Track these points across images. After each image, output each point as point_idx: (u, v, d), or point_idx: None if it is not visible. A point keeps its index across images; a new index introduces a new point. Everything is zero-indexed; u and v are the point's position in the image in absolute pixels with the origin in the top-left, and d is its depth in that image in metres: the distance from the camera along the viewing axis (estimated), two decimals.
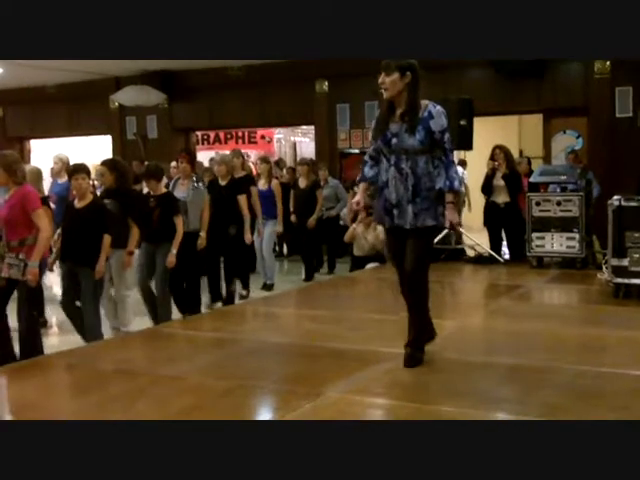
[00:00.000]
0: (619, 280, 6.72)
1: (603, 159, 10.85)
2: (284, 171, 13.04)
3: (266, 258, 9.41)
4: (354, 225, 9.52)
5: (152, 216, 6.74)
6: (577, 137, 11.69)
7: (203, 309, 7.61)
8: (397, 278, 4.65)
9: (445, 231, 8.90)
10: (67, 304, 6.04)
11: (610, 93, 10.90)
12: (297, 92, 12.80)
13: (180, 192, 7.36)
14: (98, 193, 7.00)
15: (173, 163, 9.15)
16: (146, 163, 9.53)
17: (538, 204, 8.67)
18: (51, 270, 6.51)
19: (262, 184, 9.39)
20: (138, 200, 6.86)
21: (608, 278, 6.89)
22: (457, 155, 13.51)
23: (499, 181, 9.55)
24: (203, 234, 7.33)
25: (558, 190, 8.91)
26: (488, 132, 11.75)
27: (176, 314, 6.99)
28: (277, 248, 12.21)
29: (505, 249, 9.89)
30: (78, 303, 6.06)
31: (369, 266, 9.32)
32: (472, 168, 14.34)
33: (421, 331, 4.59)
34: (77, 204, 6.00)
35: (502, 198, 9.55)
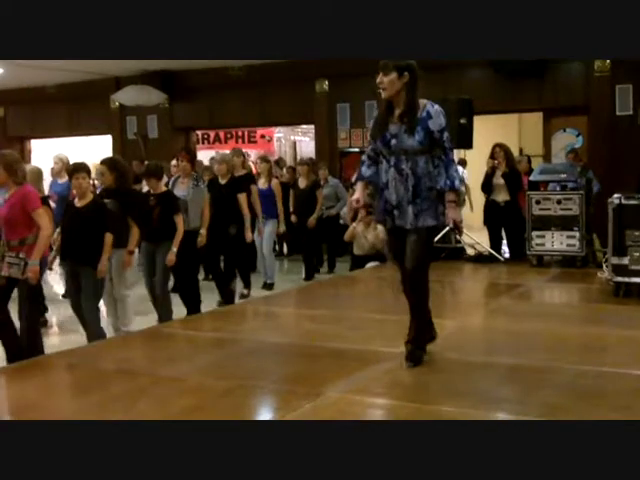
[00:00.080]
0: (619, 279, 6.71)
1: (603, 157, 10.84)
2: (284, 170, 13.04)
3: (266, 257, 9.42)
4: (354, 224, 9.53)
5: (152, 215, 6.75)
6: (577, 135, 11.69)
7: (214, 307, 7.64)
8: (398, 277, 4.66)
9: (446, 229, 8.91)
10: (76, 306, 6.03)
11: (610, 91, 10.90)
12: (297, 92, 12.80)
13: (180, 191, 7.36)
14: (98, 192, 6.99)
15: (173, 162, 9.15)
16: (146, 163, 9.54)
17: (538, 202, 8.67)
18: (50, 269, 6.50)
19: (262, 183, 9.40)
20: (138, 199, 6.86)
21: (608, 277, 6.89)
22: (457, 154, 13.51)
23: (499, 180, 9.55)
24: (203, 231, 7.33)
25: (558, 188, 8.91)
26: (488, 130, 11.75)
27: (177, 314, 6.98)
28: (277, 247, 12.21)
29: (505, 248, 9.89)
30: None
31: (369, 265, 9.32)
32: (472, 166, 14.33)
33: (422, 330, 4.59)
34: (77, 203, 6.00)
35: (502, 197, 9.55)
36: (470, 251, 9.70)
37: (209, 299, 7.95)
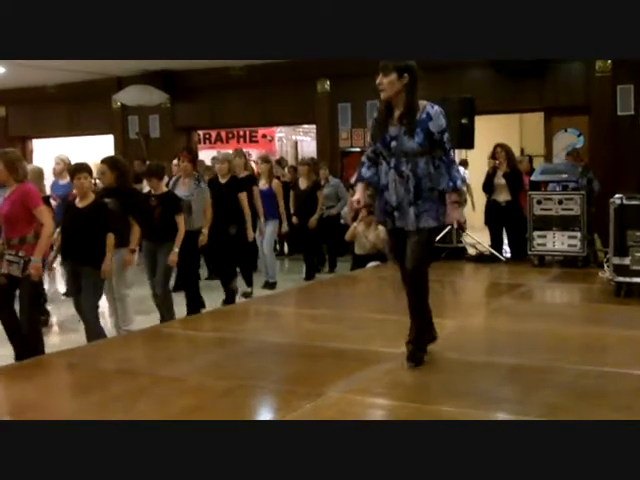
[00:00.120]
0: (621, 279, 6.71)
1: (604, 157, 10.83)
2: (286, 170, 13.03)
3: (267, 257, 9.43)
4: (355, 224, 9.53)
5: (153, 215, 6.75)
6: (578, 135, 11.67)
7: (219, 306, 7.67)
8: (399, 277, 4.66)
9: (447, 229, 8.92)
10: (79, 305, 6.03)
11: (611, 91, 10.89)
12: (298, 92, 12.80)
13: (181, 191, 7.36)
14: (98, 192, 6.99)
15: (175, 161, 9.16)
16: (147, 163, 9.55)
17: (539, 202, 8.67)
18: (51, 269, 6.50)
19: (263, 184, 9.40)
20: (139, 198, 6.87)
21: (610, 277, 6.89)
22: (459, 154, 13.51)
23: (500, 179, 9.55)
24: (205, 231, 7.34)
25: (558, 188, 8.90)
26: (489, 130, 11.74)
27: (178, 313, 6.98)
28: (278, 247, 12.22)
29: (506, 247, 9.88)
30: None
31: (370, 265, 9.32)
32: (473, 166, 14.31)
33: (422, 330, 4.59)
34: (79, 204, 5.99)
35: (503, 197, 9.55)
36: (471, 251, 9.69)
37: (212, 298, 7.96)
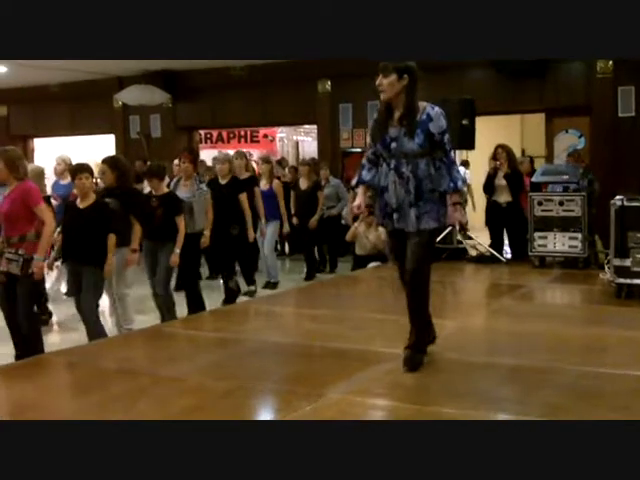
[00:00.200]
0: (621, 280, 6.70)
1: (605, 159, 10.82)
2: (287, 170, 13.04)
3: (267, 257, 9.43)
4: (356, 224, 9.53)
5: (154, 215, 6.75)
6: (579, 137, 11.67)
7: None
8: (397, 277, 4.66)
9: (447, 230, 8.91)
10: (80, 305, 6.03)
11: (612, 93, 10.88)
12: (299, 92, 12.81)
13: (183, 193, 7.35)
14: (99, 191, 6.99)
15: (176, 161, 9.16)
16: (148, 163, 9.56)
17: (540, 204, 8.67)
18: (51, 269, 6.50)
19: (264, 184, 9.41)
20: (139, 198, 6.87)
21: (610, 278, 6.88)
22: (460, 155, 13.51)
23: (501, 180, 9.54)
24: (207, 233, 7.35)
25: (558, 190, 8.89)
26: (490, 131, 11.74)
27: (179, 313, 6.98)
28: (279, 247, 12.22)
29: (507, 248, 9.88)
30: None
31: (371, 265, 9.32)
32: (474, 167, 14.33)
33: (421, 332, 4.58)
34: (80, 204, 5.99)
35: (504, 197, 9.54)
36: (472, 252, 9.69)
37: (213, 298, 7.96)
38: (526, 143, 15.24)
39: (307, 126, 16.30)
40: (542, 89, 11.30)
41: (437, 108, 4.42)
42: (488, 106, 10.68)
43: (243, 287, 8.58)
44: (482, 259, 9.39)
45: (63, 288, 8.98)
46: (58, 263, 6.69)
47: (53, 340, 6.68)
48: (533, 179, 9.19)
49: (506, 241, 9.88)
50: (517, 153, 11.30)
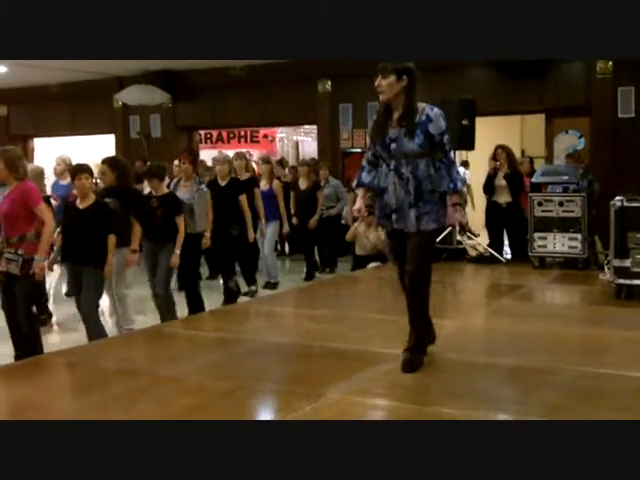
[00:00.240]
0: (621, 281, 6.71)
1: (605, 159, 10.82)
2: (287, 170, 13.03)
3: (268, 257, 9.44)
4: (356, 224, 9.54)
5: (154, 216, 6.75)
6: (579, 137, 11.67)
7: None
8: (398, 278, 4.65)
9: (447, 231, 8.92)
10: (80, 305, 6.03)
11: (612, 93, 10.88)
12: (299, 92, 12.80)
13: (183, 193, 7.35)
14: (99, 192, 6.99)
15: (176, 162, 9.16)
16: (148, 163, 9.55)
17: (540, 204, 8.67)
18: (51, 269, 6.50)
19: (263, 184, 9.41)
20: (139, 198, 6.87)
21: (610, 279, 6.89)
22: (459, 155, 13.51)
23: (501, 181, 9.55)
24: (207, 234, 7.35)
25: (558, 190, 8.89)
26: (490, 132, 11.74)
27: (179, 313, 6.98)
28: (279, 247, 12.22)
29: (507, 249, 9.88)
30: None
31: (371, 265, 9.33)
32: (474, 167, 14.33)
33: (421, 332, 4.58)
34: (80, 205, 5.99)
35: (504, 198, 9.55)
36: (472, 252, 9.69)
37: (213, 298, 7.96)
38: (526, 143, 15.24)
39: (307, 126, 16.29)
40: (542, 89, 11.30)
41: (436, 109, 4.42)
42: (488, 106, 10.68)
43: (243, 287, 8.59)
44: (482, 259, 9.40)
45: (64, 288, 8.99)
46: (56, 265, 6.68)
47: (53, 340, 6.69)
48: (533, 180, 9.20)
49: (506, 241, 9.88)
50: (517, 153, 11.30)
